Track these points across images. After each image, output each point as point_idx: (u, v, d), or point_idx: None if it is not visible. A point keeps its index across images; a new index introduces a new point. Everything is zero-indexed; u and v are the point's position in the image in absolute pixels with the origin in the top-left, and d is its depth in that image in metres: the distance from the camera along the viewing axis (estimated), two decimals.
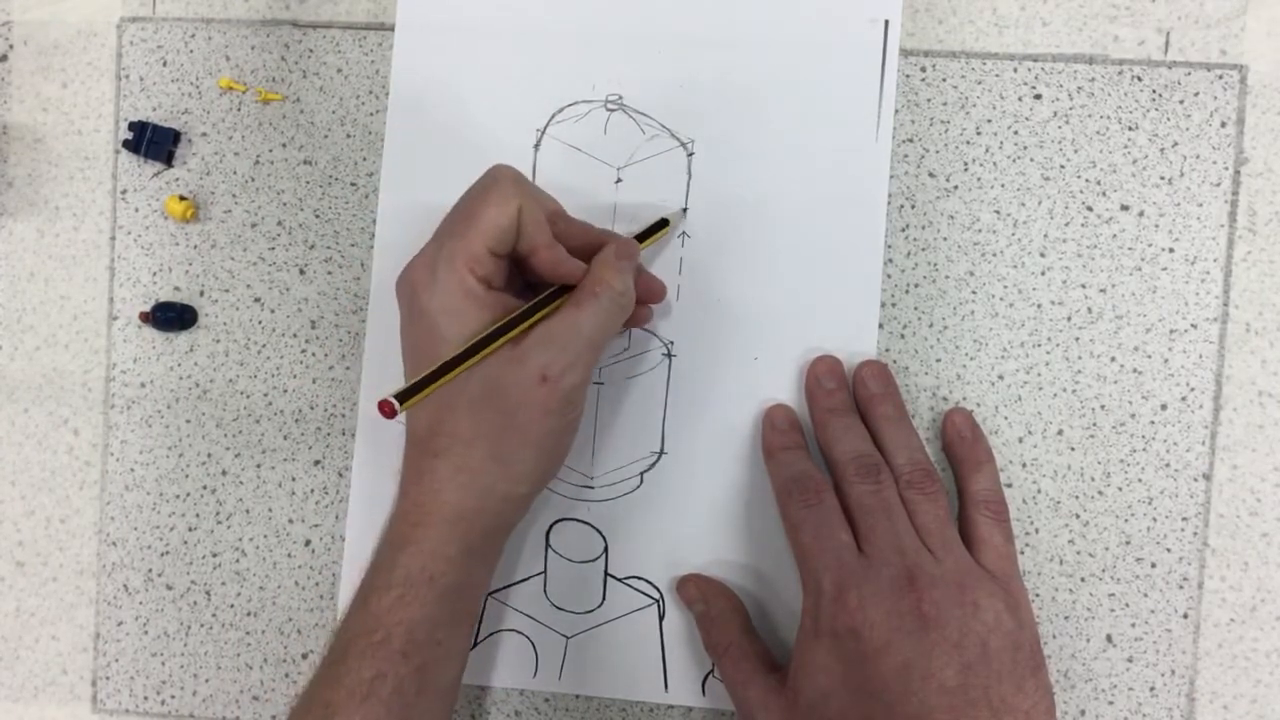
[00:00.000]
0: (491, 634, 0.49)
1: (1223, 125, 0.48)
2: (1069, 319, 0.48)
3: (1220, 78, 0.48)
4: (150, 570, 0.52)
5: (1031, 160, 0.48)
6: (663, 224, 0.48)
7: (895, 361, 0.48)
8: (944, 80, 0.49)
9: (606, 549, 0.49)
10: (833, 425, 0.46)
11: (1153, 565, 0.48)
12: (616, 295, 0.43)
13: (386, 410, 0.39)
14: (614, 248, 0.44)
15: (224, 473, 0.51)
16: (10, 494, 0.53)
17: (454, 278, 0.42)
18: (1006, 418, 0.48)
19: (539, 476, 0.44)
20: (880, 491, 0.43)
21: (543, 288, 0.44)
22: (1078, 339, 0.48)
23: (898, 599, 0.40)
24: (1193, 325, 0.48)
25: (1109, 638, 0.48)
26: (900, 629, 0.40)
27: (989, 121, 0.49)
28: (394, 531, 0.43)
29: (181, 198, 0.51)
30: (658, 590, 0.49)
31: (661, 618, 0.49)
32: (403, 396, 0.39)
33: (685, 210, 0.49)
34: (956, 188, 0.49)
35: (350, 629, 0.42)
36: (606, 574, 0.49)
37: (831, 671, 0.41)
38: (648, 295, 0.47)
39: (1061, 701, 0.47)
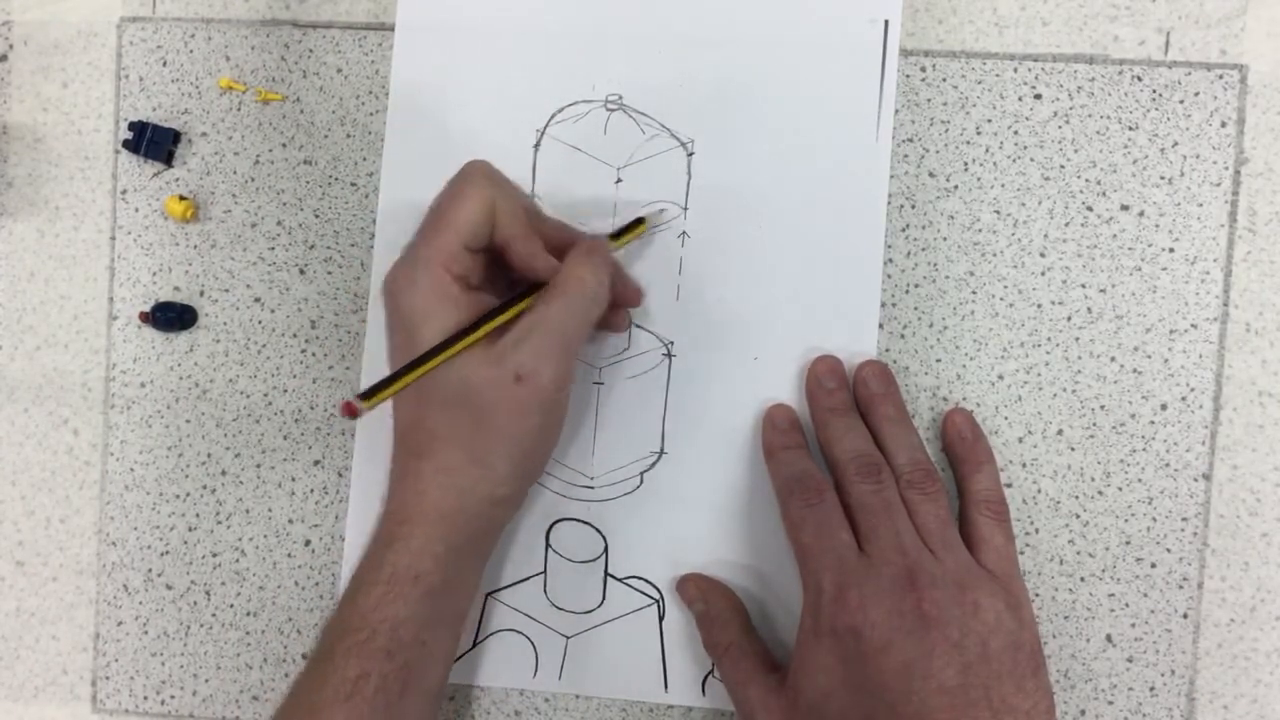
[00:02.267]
0: (491, 634, 0.49)
1: (1223, 125, 0.48)
2: (1069, 319, 0.48)
3: (1220, 78, 0.48)
4: (150, 570, 0.52)
5: (1031, 160, 0.48)
6: (638, 223, 0.48)
7: (895, 361, 0.48)
8: (944, 80, 0.49)
9: (606, 549, 0.49)
10: (833, 425, 0.46)
11: (1153, 565, 0.48)
12: (588, 291, 0.43)
13: (349, 410, 0.39)
14: (585, 245, 0.44)
15: (224, 473, 0.51)
16: (10, 494, 0.53)
17: (431, 278, 0.42)
18: (1006, 418, 0.48)
19: (519, 478, 0.44)
20: (881, 491, 0.43)
21: (522, 285, 0.44)
22: (1078, 339, 0.48)
23: (898, 598, 0.40)
24: (1193, 325, 0.48)
25: (1109, 638, 0.48)
26: (901, 628, 0.40)
27: (989, 121, 0.49)
28: (382, 530, 0.43)
29: (181, 198, 0.51)
30: (658, 590, 0.49)
31: (661, 618, 0.49)
32: (366, 396, 0.39)
33: (663, 210, 0.49)
34: (956, 188, 0.49)
35: (335, 627, 0.42)
36: (606, 574, 0.49)
37: (832, 671, 0.41)
38: (624, 298, 0.47)
39: (1061, 701, 0.47)
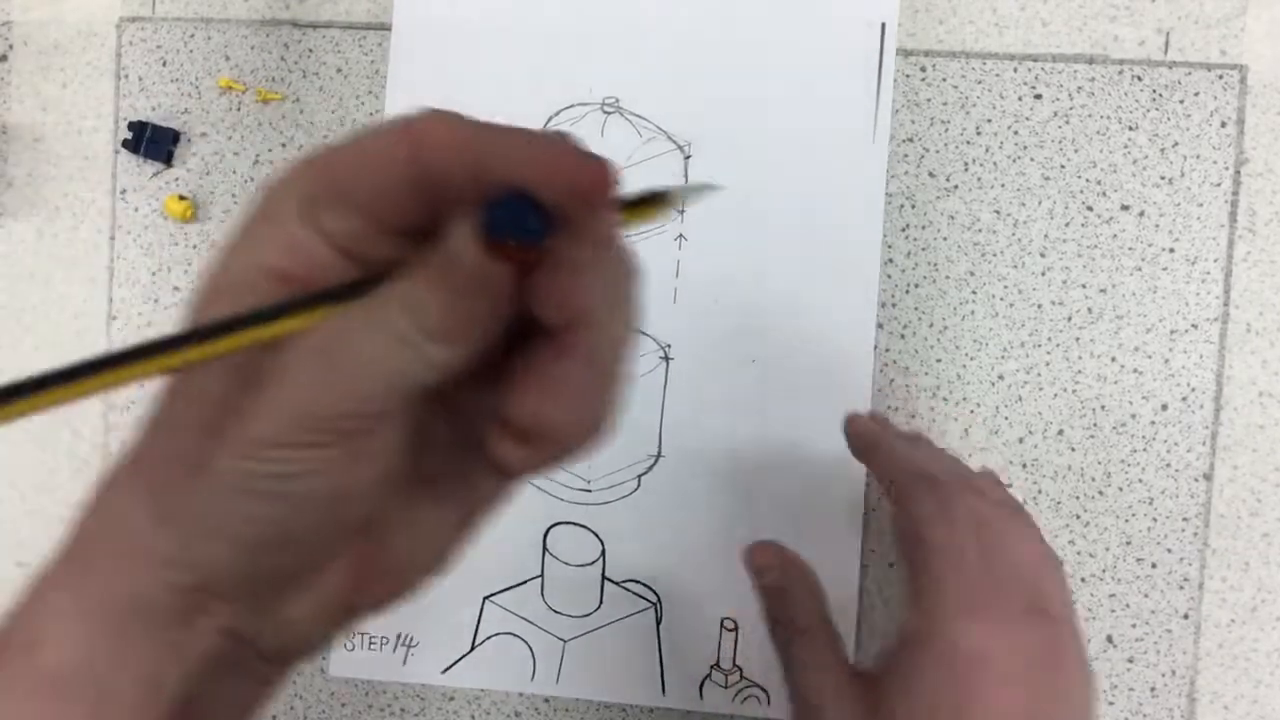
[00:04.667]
0: (489, 637, 0.49)
1: (1223, 125, 0.48)
2: (1069, 319, 0.48)
3: (1220, 78, 0.48)
4: None
5: (1031, 160, 0.48)
6: (658, 197, 0.26)
7: (895, 361, 0.48)
8: (944, 80, 0.49)
9: (604, 552, 0.49)
10: (909, 452, 0.42)
11: (1153, 565, 0.47)
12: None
13: None
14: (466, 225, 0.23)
15: None
16: (10, 494, 0.53)
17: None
18: (1006, 418, 0.48)
19: None
20: (1000, 506, 0.39)
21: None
22: (1078, 339, 0.48)
23: (1029, 631, 0.36)
24: (1193, 325, 0.47)
25: (1109, 638, 0.47)
26: (1031, 664, 0.35)
27: (989, 121, 0.48)
28: None
29: (181, 197, 0.51)
30: (655, 593, 0.49)
31: (659, 621, 0.49)
32: None
33: (707, 187, 0.29)
34: (956, 188, 0.49)
35: None
36: (604, 577, 0.49)
37: (940, 690, 0.36)
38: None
39: None
